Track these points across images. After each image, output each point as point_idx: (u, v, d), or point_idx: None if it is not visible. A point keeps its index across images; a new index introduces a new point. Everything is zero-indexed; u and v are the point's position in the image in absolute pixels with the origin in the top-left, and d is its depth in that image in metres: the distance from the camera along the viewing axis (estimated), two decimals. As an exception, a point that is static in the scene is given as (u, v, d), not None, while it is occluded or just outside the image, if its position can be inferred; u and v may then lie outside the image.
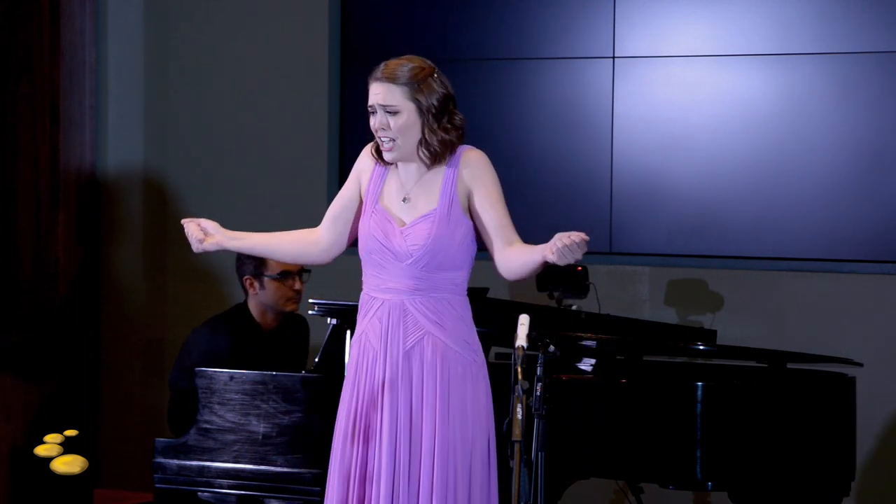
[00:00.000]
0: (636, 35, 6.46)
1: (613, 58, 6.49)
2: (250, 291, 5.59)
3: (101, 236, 7.20)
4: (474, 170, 3.99)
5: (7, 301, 6.96)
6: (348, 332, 4.85)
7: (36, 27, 6.92)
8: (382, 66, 3.99)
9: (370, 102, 3.98)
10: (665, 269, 6.43)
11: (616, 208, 6.48)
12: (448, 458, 3.90)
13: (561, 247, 3.75)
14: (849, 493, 5.24)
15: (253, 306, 5.60)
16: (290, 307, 5.60)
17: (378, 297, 4.00)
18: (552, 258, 3.78)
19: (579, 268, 5.77)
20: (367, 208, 4.04)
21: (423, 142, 3.96)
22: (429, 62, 4.01)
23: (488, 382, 4.04)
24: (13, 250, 6.98)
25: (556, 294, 5.72)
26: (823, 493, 5.13)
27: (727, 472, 4.91)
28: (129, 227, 7.18)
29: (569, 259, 3.76)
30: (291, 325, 5.69)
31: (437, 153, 3.97)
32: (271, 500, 4.99)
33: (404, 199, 4.00)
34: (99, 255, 7.20)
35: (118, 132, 7.20)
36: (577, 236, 3.74)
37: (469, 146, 4.04)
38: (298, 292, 5.58)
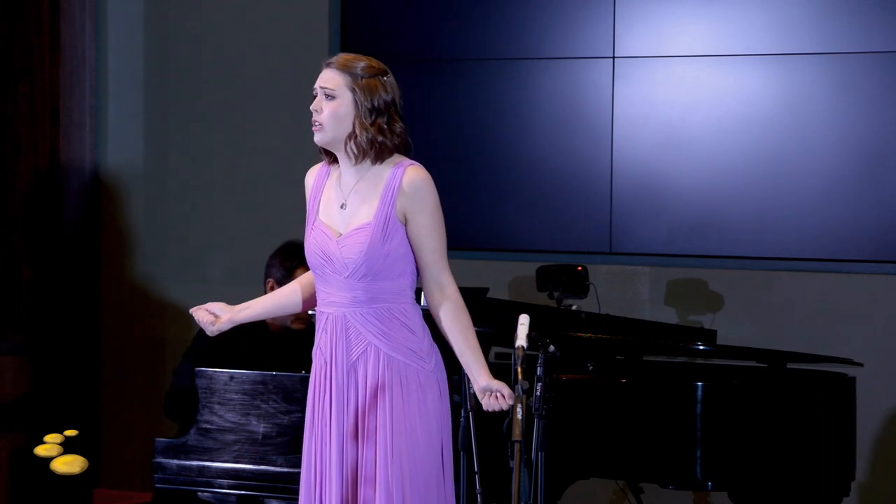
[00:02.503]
0: (636, 35, 6.46)
1: (613, 58, 6.49)
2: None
3: (101, 236, 7.20)
4: (415, 195, 3.91)
5: (7, 301, 6.95)
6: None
7: (36, 27, 6.92)
8: (338, 55, 3.98)
9: (314, 85, 3.96)
10: (665, 269, 6.43)
11: (616, 208, 6.48)
12: (397, 468, 3.88)
13: (487, 403, 3.86)
14: (849, 493, 5.24)
15: None
16: (296, 326, 5.61)
17: (325, 311, 4.00)
18: (480, 400, 3.89)
19: (579, 268, 5.77)
20: (307, 228, 4.04)
21: (353, 135, 3.91)
22: (384, 66, 3.98)
23: (443, 387, 4.00)
24: (13, 250, 6.97)
25: (556, 294, 5.72)
26: (823, 493, 5.12)
27: (727, 472, 4.91)
28: (129, 227, 7.18)
29: (494, 408, 3.87)
30: (297, 335, 5.67)
31: (364, 150, 3.91)
32: (271, 500, 4.99)
33: (342, 206, 3.98)
34: (99, 255, 7.20)
35: (118, 132, 7.20)
36: (504, 402, 3.83)
37: (415, 163, 3.96)
38: (311, 316, 5.57)
